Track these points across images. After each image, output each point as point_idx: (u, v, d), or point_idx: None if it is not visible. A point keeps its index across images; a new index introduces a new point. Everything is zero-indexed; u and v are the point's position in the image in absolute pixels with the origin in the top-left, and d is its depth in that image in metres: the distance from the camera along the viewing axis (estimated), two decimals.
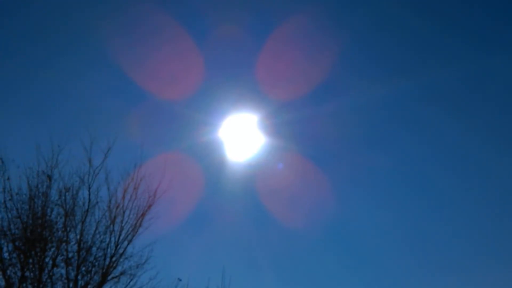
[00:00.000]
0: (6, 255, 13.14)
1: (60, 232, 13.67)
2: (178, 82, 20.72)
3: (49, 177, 13.78)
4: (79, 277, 13.32)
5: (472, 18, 23.76)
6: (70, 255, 13.51)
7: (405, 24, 23.84)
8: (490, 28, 23.59)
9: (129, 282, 13.91)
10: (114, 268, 13.68)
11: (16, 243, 13.24)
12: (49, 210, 13.74)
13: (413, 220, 24.10)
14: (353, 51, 23.25)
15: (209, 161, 20.27)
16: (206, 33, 21.87)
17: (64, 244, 13.49)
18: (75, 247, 13.56)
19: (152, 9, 20.83)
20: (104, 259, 13.60)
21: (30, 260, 13.17)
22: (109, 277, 13.62)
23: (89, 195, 13.92)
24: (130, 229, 14.02)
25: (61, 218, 13.75)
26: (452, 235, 23.40)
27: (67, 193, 13.76)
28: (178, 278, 14.52)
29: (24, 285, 12.90)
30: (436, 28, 23.61)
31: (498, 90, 23.90)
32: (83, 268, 13.42)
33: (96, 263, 13.58)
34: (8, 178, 13.56)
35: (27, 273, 13.05)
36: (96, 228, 13.77)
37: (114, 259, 13.68)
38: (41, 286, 12.95)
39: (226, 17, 21.84)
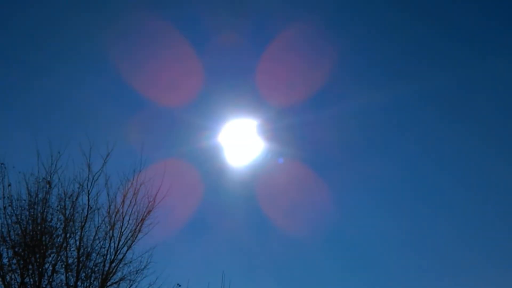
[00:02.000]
0: (5, 261, 13.13)
1: (59, 238, 13.66)
2: (177, 88, 20.78)
3: (50, 183, 13.77)
4: (79, 283, 13.29)
5: (470, 22, 23.92)
6: (69, 261, 13.49)
7: (404, 30, 23.99)
8: (487, 32, 23.75)
9: None
10: (114, 273, 13.65)
11: (16, 249, 13.22)
12: (49, 216, 13.73)
13: (414, 226, 24.12)
14: (352, 56, 23.41)
15: (208, 166, 20.30)
16: (205, 39, 21.97)
17: (63, 250, 13.49)
18: (75, 253, 13.54)
19: (151, 15, 20.93)
20: (104, 265, 13.58)
21: (30, 266, 13.15)
22: (109, 283, 13.59)
23: (89, 200, 13.91)
24: (130, 234, 13.99)
25: (61, 224, 13.75)
26: (454, 239, 23.40)
27: (66, 199, 13.79)
28: (178, 284, 14.53)
29: None
30: (434, 32, 23.80)
31: (497, 93, 24.03)
32: (83, 274, 13.40)
33: (96, 269, 13.57)
34: (10, 185, 13.57)
35: (26, 279, 13.03)
36: (96, 234, 13.76)
37: (113, 264, 13.65)
38: None
39: (225, 23, 21.96)
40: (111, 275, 13.59)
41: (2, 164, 13.59)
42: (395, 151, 25.21)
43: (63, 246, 13.47)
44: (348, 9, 23.92)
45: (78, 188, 13.94)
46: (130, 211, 14.16)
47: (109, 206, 14.05)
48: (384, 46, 24.28)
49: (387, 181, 24.59)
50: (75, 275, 13.30)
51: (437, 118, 24.59)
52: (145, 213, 14.29)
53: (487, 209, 23.67)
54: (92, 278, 13.45)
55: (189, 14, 22.33)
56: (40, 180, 13.78)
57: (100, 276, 13.47)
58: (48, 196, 13.69)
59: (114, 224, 13.92)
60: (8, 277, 12.99)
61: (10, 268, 13.11)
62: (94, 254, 13.65)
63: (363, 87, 23.46)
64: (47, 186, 13.75)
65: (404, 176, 24.75)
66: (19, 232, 13.28)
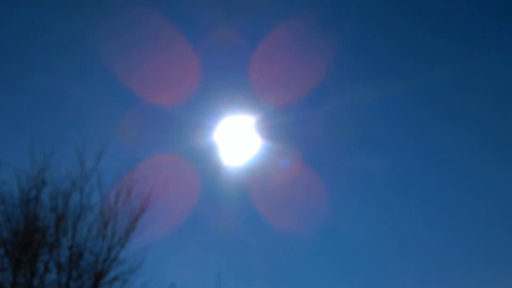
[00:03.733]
0: None
1: (52, 237, 13.52)
2: (173, 85, 20.67)
3: (44, 182, 13.63)
4: (71, 282, 13.16)
5: (463, 21, 23.95)
6: (62, 260, 13.36)
7: (396, 29, 24.06)
8: (479, 31, 23.84)
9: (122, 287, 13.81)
10: (107, 273, 13.52)
11: (8, 248, 13.08)
12: (41, 214, 13.59)
13: (407, 225, 24.09)
14: (346, 55, 23.35)
15: (204, 164, 20.19)
16: (201, 37, 21.88)
17: (56, 249, 13.35)
18: (67, 252, 13.41)
19: (146, 12, 20.79)
20: (96, 264, 13.44)
21: (22, 265, 13.01)
22: (102, 282, 13.47)
23: (81, 199, 13.78)
24: (123, 233, 13.89)
25: (53, 222, 13.59)
26: (445, 239, 23.39)
27: (59, 197, 13.63)
28: (172, 283, 14.46)
29: None
30: (426, 32, 23.87)
31: (489, 92, 24.09)
32: (75, 273, 13.27)
33: (88, 268, 13.43)
34: (4, 182, 13.43)
35: (18, 279, 12.89)
36: (88, 233, 13.63)
37: (106, 264, 13.52)
38: None
39: (221, 20, 21.89)
40: (104, 274, 13.47)
41: None
42: (388, 150, 25.21)
43: (55, 245, 13.32)
44: (342, 8, 23.93)
45: (71, 186, 13.82)
46: (124, 209, 14.09)
47: (102, 205, 13.93)
48: (377, 45, 24.30)
49: (381, 179, 24.55)
50: (67, 274, 13.16)
51: (430, 117, 24.66)
52: (139, 212, 14.21)
53: (478, 208, 23.69)
54: (85, 278, 13.33)
55: (184, 11, 22.23)
56: (33, 178, 13.63)
57: (93, 276, 13.35)
58: (39, 194, 13.55)
59: (107, 222, 13.81)
60: (0, 276, 12.84)
61: (2, 267, 12.96)
62: (86, 253, 13.53)
63: (357, 85, 23.48)
64: (43, 184, 13.61)
65: (397, 175, 24.76)
66: (11, 230, 13.14)
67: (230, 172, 20.89)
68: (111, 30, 20.84)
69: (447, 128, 24.25)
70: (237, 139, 20.35)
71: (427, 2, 23.55)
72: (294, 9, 22.05)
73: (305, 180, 21.38)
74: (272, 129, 20.82)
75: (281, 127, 21.29)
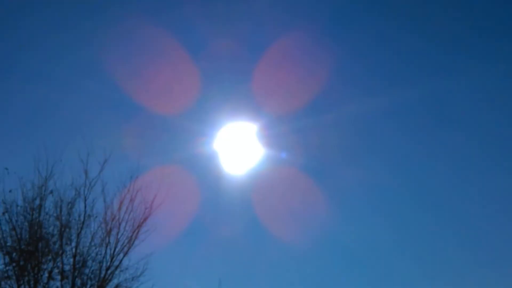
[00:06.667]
0: (2, 267, 13.11)
1: (56, 245, 13.62)
2: (174, 94, 20.79)
3: (51, 192, 13.77)
4: None
5: (466, 27, 23.92)
6: (66, 268, 13.46)
7: (400, 36, 24.05)
8: (484, 37, 23.80)
9: None
10: (110, 280, 13.64)
11: (12, 256, 13.18)
12: (45, 222, 13.69)
13: (412, 231, 23.95)
14: (348, 62, 23.44)
15: (205, 172, 20.28)
16: (202, 46, 22.01)
17: (59, 257, 13.44)
18: (71, 260, 13.51)
19: (148, 21, 20.95)
20: (100, 272, 13.56)
21: (26, 273, 13.09)
22: None
23: (85, 207, 13.92)
24: (126, 241, 13.99)
25: (57, 230, 13.70)
26: (451, 244, 23.25)
27: (62, 205, 13.75)
28: None
29: None
30: (430, 38, 23.84)
31: (495, 98, 23.99)
32: (79, 281, 13.37)
33: (92, 276, 13.54)
34: (10, 191, 13.54)
35: (22, 287, 12.98)
36: (92, 240, 13.78)
37: (109, 271, 13.64)
38: None
39: (222, 30, 22.02)
40: (107, 282, 13.57)
41: (6, 169, 13.60)
42: (392, 157, 25.13)
43: (59, 253, 13.42)
44: (344, 17, 24.05)
45: (75, 194, 13.96)
46: (127, 217, 14.19)
47: (106, 213, 14.10)
48: (380, 52, 24.32)
49: (385, 187, 24.42)
50: (71, 282, 13.25)
51: (434, 125, 24.62)
52: (142, 220, 14.31)
53: (485, 212, 23.49)
54: (88, 285, 13.42)
55: (186, 20, 22.38)
56: (38, 187, 13.74)
57: (96, 283, 13.44)
58: (44, 202, 13.67)
59: (111, 230, 13.93)
60: (4, 284, 12.93)
61: (6, 275, 13.05)
62: (90, 261, 13.66)
63: (360, 93, 23.51)
64: (49, 194, 13.72)
65: (402, 182, 24.62)
66: (15, 238, 13.23)
67: (232, 180, 20.99)
68: (113, 39, 21.01)
69: (452, 135, 24.20)
70: (239, 147, 20.44)
71: (430, 10, 23.57)
72: (296, 18, 22.21)
73: (307, 188, 21.42)
74: (274, 137, 20.92)
75: (282, 135, 21.40)
